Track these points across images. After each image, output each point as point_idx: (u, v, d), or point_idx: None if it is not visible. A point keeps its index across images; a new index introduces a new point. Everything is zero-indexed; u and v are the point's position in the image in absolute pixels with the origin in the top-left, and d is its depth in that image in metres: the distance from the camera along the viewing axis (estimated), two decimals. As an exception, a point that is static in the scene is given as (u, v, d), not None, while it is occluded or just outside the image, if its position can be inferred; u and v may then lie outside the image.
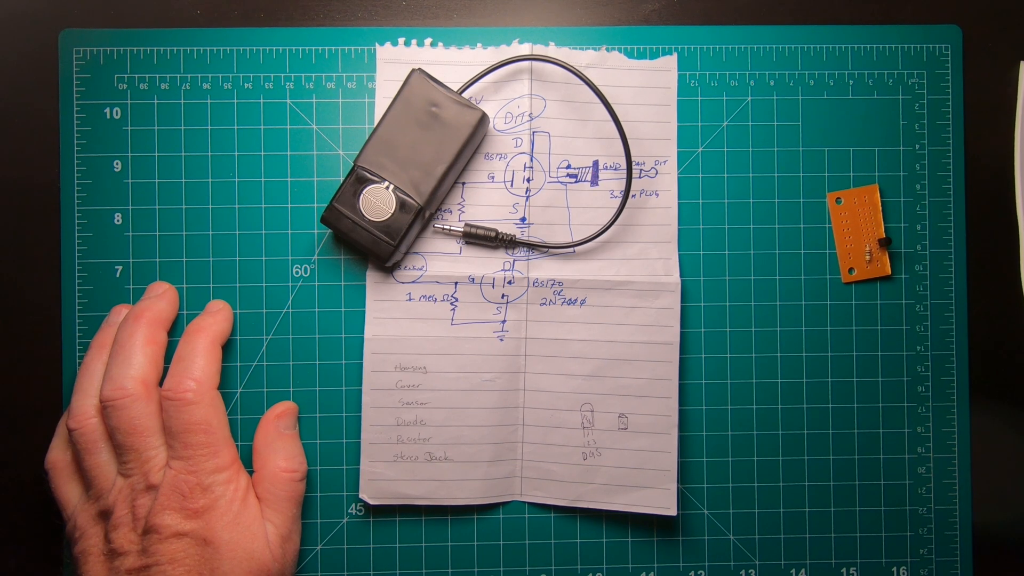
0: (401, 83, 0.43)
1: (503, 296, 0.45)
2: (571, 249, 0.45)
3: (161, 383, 0.41)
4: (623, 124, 0.44)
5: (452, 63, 0.45)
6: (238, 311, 0.45)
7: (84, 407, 0.41)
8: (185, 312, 0.45)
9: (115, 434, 0.40)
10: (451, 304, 0.45)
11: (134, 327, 0.41)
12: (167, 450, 0.40)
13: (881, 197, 0.46)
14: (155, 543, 0.38)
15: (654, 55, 0.46)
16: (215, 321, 0.43)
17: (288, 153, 0.45)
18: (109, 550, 0.39)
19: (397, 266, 0.45)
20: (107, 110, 0.45)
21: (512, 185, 0.45)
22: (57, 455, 0.42)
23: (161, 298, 0.43)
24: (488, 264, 0.45)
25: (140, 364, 0.40)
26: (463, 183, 0.45)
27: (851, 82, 0.46)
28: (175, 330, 0.44)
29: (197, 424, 0.40)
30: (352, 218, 0.43)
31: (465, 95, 0.44)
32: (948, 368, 0.46)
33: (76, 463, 0.41)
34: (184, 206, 0.45)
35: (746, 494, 0.45)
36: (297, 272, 0.45)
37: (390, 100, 0.43)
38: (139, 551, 0.38)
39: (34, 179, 0.45)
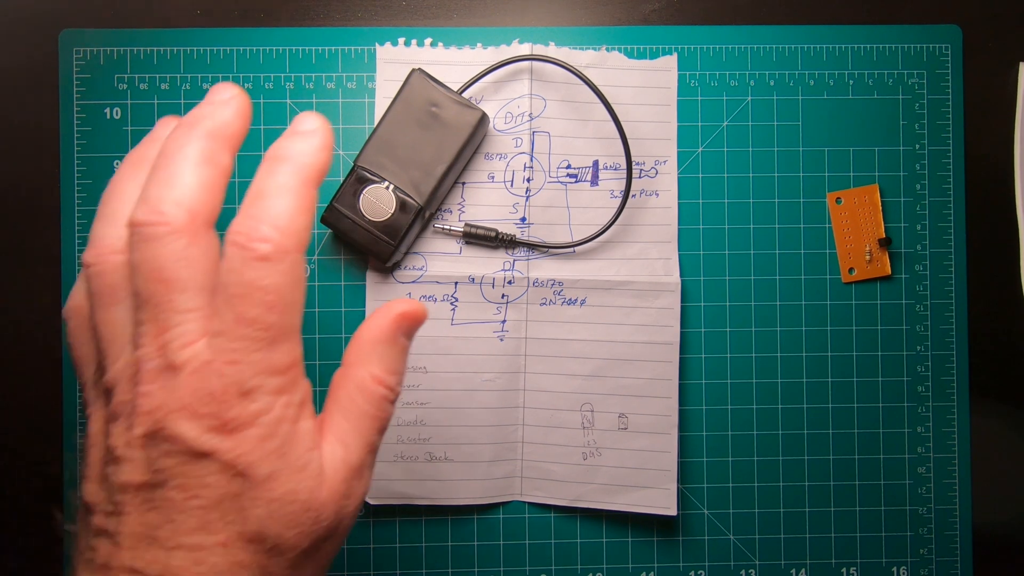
0: (401, 83, 0.43)
1: (503, 296, 0.45)
2: (571, 249, 0.45)
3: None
4: (623, 124, 0.44)
5: (452, 63, 0.45)
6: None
7: (107, 238, 0.29)
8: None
9: (135, 276, 0.27)
10: (451, 304, 0.45)
11: (187, 137, 0.29)
12: (205, 322, 0.27)
13: (881, 197, 0.46)
14: (163, 455, 0.26)
15: (654, 55, 0.46)
16: (310, 149, 0.30)
17: (288, 153, 0.45)
18: (107, 447, 0.28)
19: (397, 266, 0.45)
20: (107, 110, 0.45)
21: (512, 185, 0.45)
22: (79, 300, 0.30)
23: (227, 105, 0.30)
24: (488, 264, 0.45)
25: (190, 187, 0.28)
26: (463, 183, 0.45)
27: (851, 82, 0.46)
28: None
29: (264, 291, 0.27)
30: (352, 218, 0.43)
31: (465, 95, 0.44)
32: (948, 368, 0.46)
33: None
34: (184, 206, 0.45)
35: (746, 494, 0.45)
36: (297, 272, 0.45)
37: (390, 100, 0.43)
38: (142, 460, 0.27)
39: (34, 179, 0.45)
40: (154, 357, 0.27)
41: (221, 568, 0.26)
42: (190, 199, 0.28)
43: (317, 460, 0.29)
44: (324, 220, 0.43)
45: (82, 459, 0.30)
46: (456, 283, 0.45)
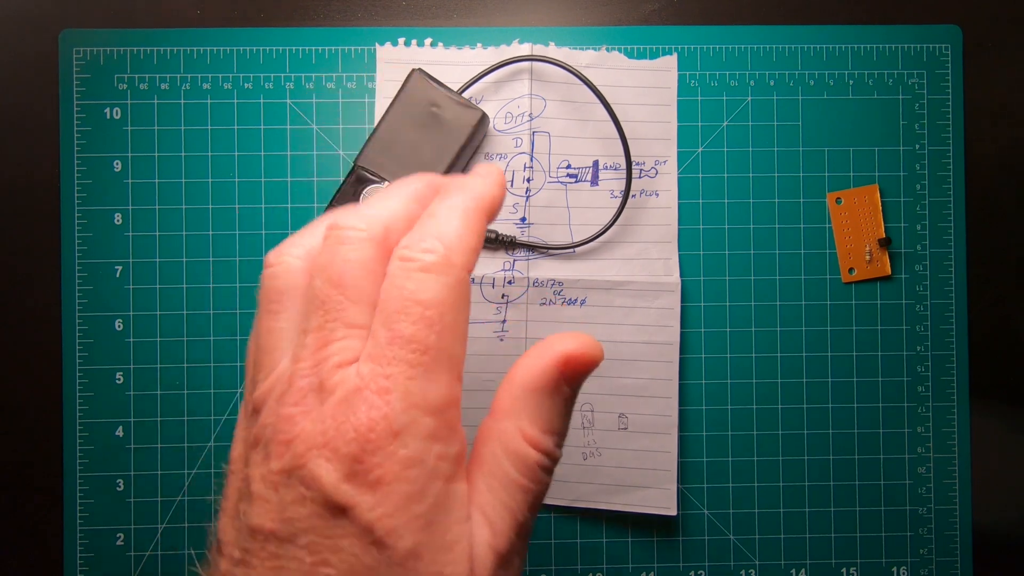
0: (401, 83, 0.43)
1: (503, 296, 0.45)
2: (571, 249, 0.45)
3: None
4: (623, 124, 0.44)
5: (452, 63, 0.45)
6: (239, 311, 0.45)
7: (292, 245, 0.27)
8: (185, 312, 0.45)
9: (315, 278, 0.25)
10: (451, 304, 0.45)
11: (407, 180, 0.28)
12: (363, 344, 0.24)
13: (881, 197, 0.46)
14: (296, 501, 0.22)
15: (654, 55, 0.46)
16: (485, 183, 0.28)
17: (288, 153, 0.45)
18: (245, 478, 0.24)
19: (397, 266, 0.45)
20: (107, 110, 0.45)
21: (512, 185, 0.45)
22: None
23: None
24: (488, 264, 0.45)
25: (394, 208, 0.26)
26: (463, 183, 0.45)
27: (851, 82, 0.46)
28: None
29: (423, 305, 0.24)
30: (352, 218, 0.42)
31: (465, 95, 0.44)
32: (948, 368, 0.46)
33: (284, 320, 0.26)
34: (184, 206, 0.45)
35: (746, 494, 0.45)
36: (297, 272, 0.45)
37: (390, 100, 0.43)
38: (276, 503, 0.23)
39: (34, 179, 0.45)
40: (308, 374, 0.23)
41: None
42: (389, 217, 0.26)
43: (467, 539, 0.23)
44: (324, 220, 0.43)
45: (224, 485, 0.26)
46: (456, 283, 0.45)
